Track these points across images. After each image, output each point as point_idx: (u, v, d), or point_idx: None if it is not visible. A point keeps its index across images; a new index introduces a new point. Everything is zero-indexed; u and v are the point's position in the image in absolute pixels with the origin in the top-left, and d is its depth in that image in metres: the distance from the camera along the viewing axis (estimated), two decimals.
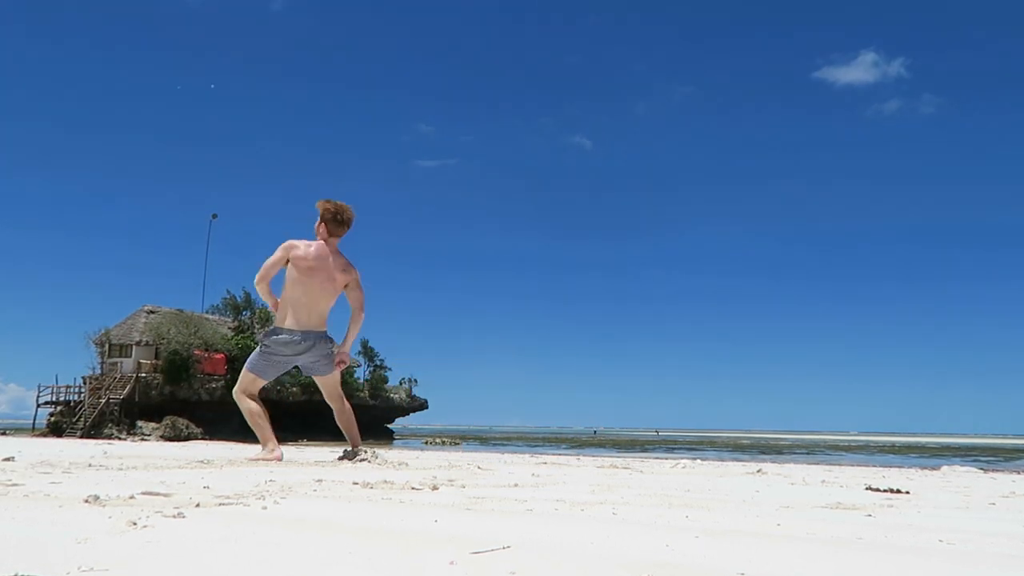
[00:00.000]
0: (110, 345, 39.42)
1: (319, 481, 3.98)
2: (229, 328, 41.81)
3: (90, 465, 4.96)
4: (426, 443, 39.32)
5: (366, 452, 6.01)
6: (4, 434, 29.09)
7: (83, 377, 38.10)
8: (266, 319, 42.99)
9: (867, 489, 4.43)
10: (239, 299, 42.51)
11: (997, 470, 9.95)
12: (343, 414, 6.21)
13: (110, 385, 36.59)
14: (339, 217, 6.09)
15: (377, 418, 50.34)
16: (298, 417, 42.33)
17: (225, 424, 37.50)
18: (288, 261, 6.02)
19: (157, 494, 3.05)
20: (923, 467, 9.94)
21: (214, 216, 50.17)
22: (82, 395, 36.97)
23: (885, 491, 4.31)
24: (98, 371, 38.75)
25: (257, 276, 6.12)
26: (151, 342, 38.94)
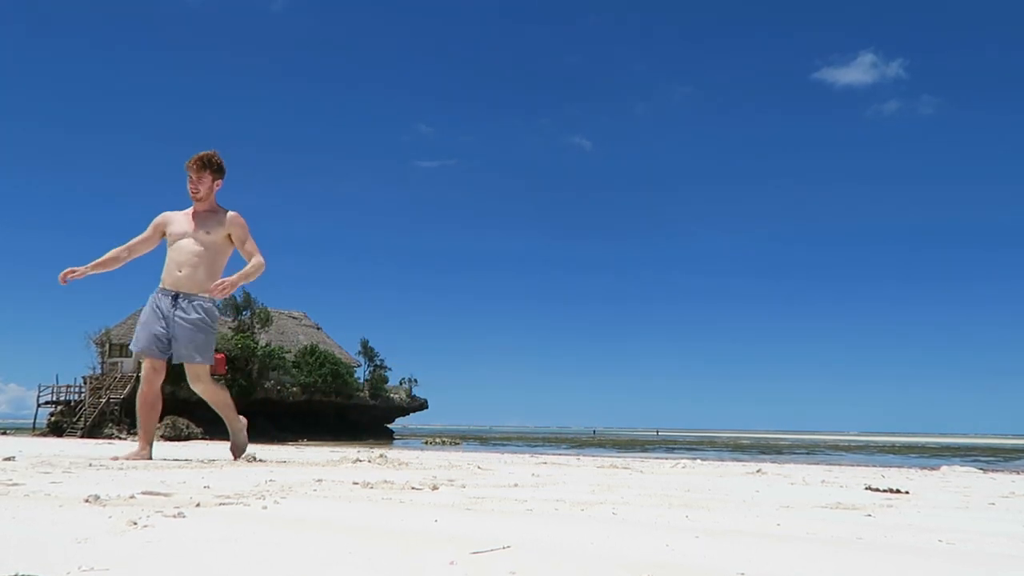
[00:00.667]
0: (110, 345, 39.42)
1: (319, 481, 3.98)
2: (229, 328, 41.81)
3: (90, 465, 4.96)
4: (426, 443, 39.33)
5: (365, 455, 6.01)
6: (4, 434, 29.11)
7: (83, 377, 38.10)
8: (266, 319, 43.04)
9: (867, 489, 4.44)
10: (239, 299, 42.52)
11: (997, 470, 9.94)
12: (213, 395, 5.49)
13: (110, 385, 36.59)
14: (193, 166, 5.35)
15: (377, 418, 50.34)
16: (297, 417, 42.30)
17: (225, 424, 37.61)
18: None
19: (157, 494, 3.05)
20: (923, 467, 9.94)
21: None
22: (82, 395, 36.97)
23: (885, 491, 4.31)
24: (98, 371, 38.75)
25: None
26: None
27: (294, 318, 51.20)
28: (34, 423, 37.67)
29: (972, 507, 3.66)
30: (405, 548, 1.93)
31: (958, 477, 6.51)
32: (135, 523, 2.21)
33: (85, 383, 37.98)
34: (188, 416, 35.95)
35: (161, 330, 5.19)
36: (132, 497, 2.87)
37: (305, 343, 46.55)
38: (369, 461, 6.13)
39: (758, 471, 5.94)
